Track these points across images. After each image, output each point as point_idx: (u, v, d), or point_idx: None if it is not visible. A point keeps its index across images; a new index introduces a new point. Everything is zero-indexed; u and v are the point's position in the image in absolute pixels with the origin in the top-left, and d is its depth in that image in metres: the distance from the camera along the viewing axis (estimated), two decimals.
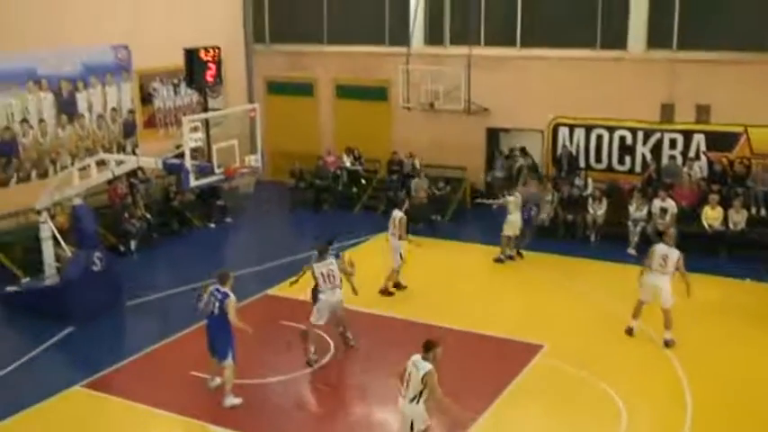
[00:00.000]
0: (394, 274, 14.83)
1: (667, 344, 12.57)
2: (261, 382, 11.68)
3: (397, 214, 14.63)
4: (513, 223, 16.58)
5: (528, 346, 12.62)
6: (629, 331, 12.96)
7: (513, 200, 16.64)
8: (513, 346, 12.77)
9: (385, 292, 14.73)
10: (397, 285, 14.98)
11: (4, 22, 16.68)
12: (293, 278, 12.96)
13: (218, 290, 10.88)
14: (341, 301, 12.22)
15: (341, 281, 12.19)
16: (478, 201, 19.56)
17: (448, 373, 11.84)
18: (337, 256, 12.34)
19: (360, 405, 11.38)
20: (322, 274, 11.97)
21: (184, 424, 10.68)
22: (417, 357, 8.74)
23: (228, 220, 20.07)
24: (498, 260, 16.66)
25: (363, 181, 21.18)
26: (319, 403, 11.56)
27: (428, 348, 8.75)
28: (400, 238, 14.58)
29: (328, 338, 12.87)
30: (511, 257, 16.75)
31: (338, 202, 20.91)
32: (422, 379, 8.58)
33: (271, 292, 15.03)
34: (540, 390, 11.43)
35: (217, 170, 13.16)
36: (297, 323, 13.24)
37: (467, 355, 12.48)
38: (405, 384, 8.73)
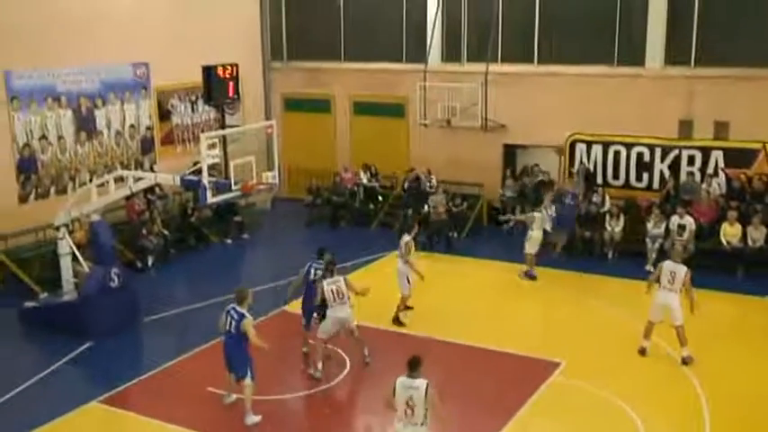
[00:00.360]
0: (403, 301, 14.43)
1: (685, 361, 12.46)
2: (278, 398, 11.66)
3: (406, 238, 14.24)
4: (535, 240, 16.51)
5: (545, 363, 12.53)
6: (642, 351, 12.85)
7: (539, 216, 16.58)
8: (531, 363, 12.68)
9: (396, 321, 14.37)
10: (406, 307, 14.63)
11: (25, 40, 16.88)
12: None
13: (234, 309, 10.90)
14: (349, 316, 12.19)
15: (349, 297, 12.18)
16: (503, 219, 19.36)
17: (464, 390, 11.85)
18: (331, 273, 12.19)
19: (376, 423, 11.32)
20: (331, 291, 11.98)
21: None
22: (410, 380, 8.61)
23: (245, 236, 20.12)
24: (529, 275, 16.57)
25: (380, 197, 21.19)
26: (335, 420, 11.50)
27: (416, 366, 8.64)
28: (407, 262, 14.19)
29: (344, 355, 12.85)
30: (534, 277, 16.57)
31: (355, 218, 20.93)
32: (426, 397, 8.48)
33: (288, 308, 15.02)
34: (558, 408, 11.34)
35: (234, 186, 13.22)
36: (314, 340, 13.23)
37: (483, 373, 12.45)
38: (407, 411, 8.56)
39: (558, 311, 14.97)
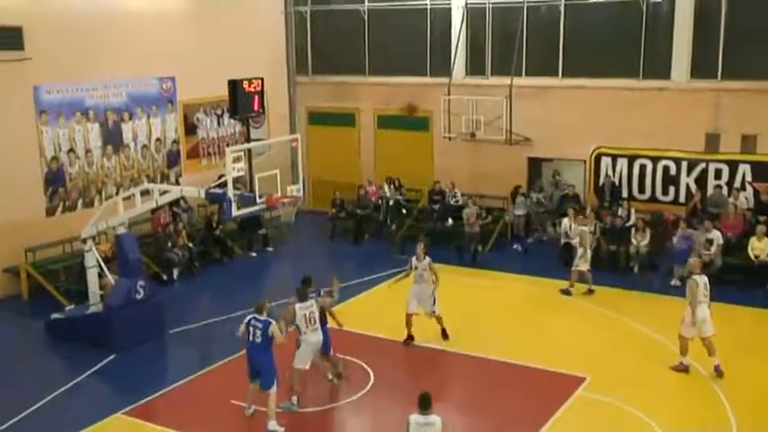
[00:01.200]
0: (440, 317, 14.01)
1: (718, 370, 12.30)
2: (302, 412, 11.64)
3: (429, 260, 13.85)
4: (587, 256, 16.39)
5: (570, 378, 12.42)
6: (686, 369, 12.62)
7: (587, 230, 16.48)
8: (555, 378, 12.57)
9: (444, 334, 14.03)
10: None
11: (54, 55, 17.11)
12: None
13: (256, 319, 10.96)
14: (320, 341, 11.90)
15: (324, 321, 12.04)
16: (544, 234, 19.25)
17: (489, 404, 11.77)
18: (304, 298, 11.92)
19: None
20: (304, 316, 11.67)
21: None
22: (423, 417, 8.56)
23: (270, 249, 20.19)
24: (566, 292, 16.45)
25: (404, 211, 21.17)
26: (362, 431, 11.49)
27: (428, 403, 8.60)
28: (433, 282, 13.80)
29: (368, 368, 12.82)
30: (568, 293, 16.41)
31: (379, 231, 20.91)
32: None
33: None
34: (583, 423, 11.22)
35: (259, 200, 13.27)
36: (338, 353, 13.22)
37: (508, 387, 12.37)
38: None
39: (583, 326, 14.84)
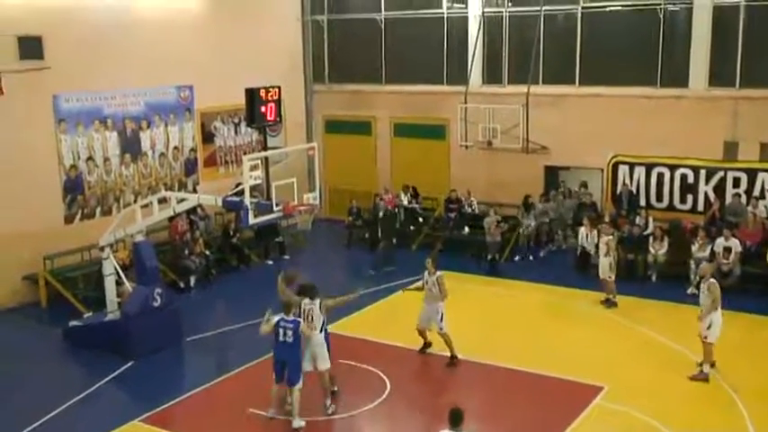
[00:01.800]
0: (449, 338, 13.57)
1: (702, 375, 12.46)
2: (317, 420, 11.62)
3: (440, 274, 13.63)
4: (603, 265, 16.21)
5: (587, 387, 12.34)
6: (705, 378, 12.53)
7: (612, 239, 16.32)
8: (572, 387, 12.50)
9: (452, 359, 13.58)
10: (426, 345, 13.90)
11: (73, 64, 17.28)
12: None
13: (284, 320, 11.26)
14: (317, 343, 11.70)
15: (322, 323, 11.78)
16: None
17: (506, 413, 11.71)
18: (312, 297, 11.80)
19: None
20: (304, 312, 11.60)
21: None
22: None
23: (286, 257, 20.23)
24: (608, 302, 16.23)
25: (420, 219, 21.16)
26: None
27: (458, 420, 8.34)
28: (442, 298, 13.51)
29: (385, 377, 12.80)
30: (614, 304, 16.15)
31: (395, 240, 20.86)
32: None
33: (327, 328, 15.00)
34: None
35: (276, 208, 13.30)
36: (354, 361, 13.23)
37: (525, 396, 12.30)
38: None
39: (600, 334, 14.75)
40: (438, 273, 13.41)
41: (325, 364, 11.68)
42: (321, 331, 11.67)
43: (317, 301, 11.74)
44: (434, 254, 14.30)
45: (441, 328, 13.38)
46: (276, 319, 11.34)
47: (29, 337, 15.48)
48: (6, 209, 16.40)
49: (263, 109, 14.34)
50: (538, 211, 19.91)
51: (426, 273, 13.53)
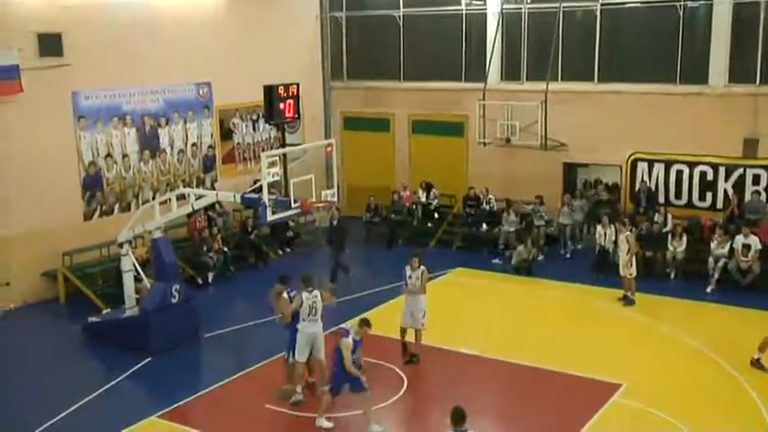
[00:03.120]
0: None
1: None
2: (336, 416, 11.64)
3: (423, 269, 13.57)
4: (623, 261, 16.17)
5: (605, 384, 12.29)
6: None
7: (631, 235, 16.20)
8: (590, 384, 12.45)
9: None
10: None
11: (92, 61, 17.38)
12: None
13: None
14: (320, 333, 12.06)
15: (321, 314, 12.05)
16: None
17: (523, 411, 11.68)
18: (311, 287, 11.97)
19: None
20: (309, 306, 11.85)
21: None
22: None
23: (288, 250, 20.39)
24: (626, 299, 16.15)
25: (438, 216, 21.13)
26: None
27: (461, 419, 8.30)
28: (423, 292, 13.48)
29: (401, 373, 12.80)
30: (631, 301, 16.06)
31: (413, 236, 20.88)
32: None
33: (344, 325, 15.02)
34: (618, 430, 11.09)
35: (294, 204, 13.33)
36: (371, 357, 13.22)
37: (542, 393, 12.26)
38: None
39: (618, 332, 14.68)
40: (421, 268, 13.43)
41: (322, 354, 12.04)
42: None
43: (317, 292, 11.96)
44: (421, 252, 14.18)
45: (422, 325, 13.37)
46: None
47: (48, 333, 15.61)
48: (26, 206, 16.53)
49: (281, 106, 14.41)
50: (575, 206, 19.73)
51: (409, 268, 13.46)
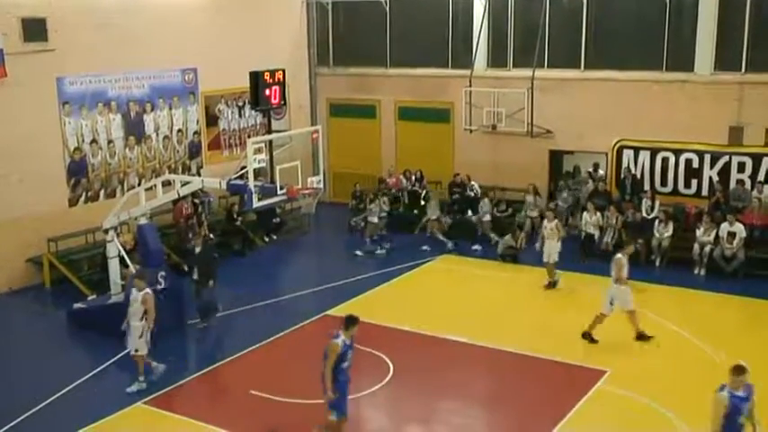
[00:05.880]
0: (600, 318, 13.52)
1: None
2: (320, 403, 11.65)
3: (617, 255, 13.69)
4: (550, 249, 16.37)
5: (590, 371, 12.37)
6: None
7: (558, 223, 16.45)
8: (575, 371, 12.53)
9: (588, 336, 13.56)
10: (642, 335, 13.53)
11: (77, 46, 17.24)
12: None
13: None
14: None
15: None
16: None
17: (509, 397, 11.75)
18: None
19: (419, 427, 11.27)
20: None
21: None
22: None
23: (274, 237, 20.29)
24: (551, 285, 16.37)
25: (423, 202, 21.11)
26: (380, 423, 11.46)
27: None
28: (618, 281, 13.43)
29: (388, 361, 12.83)
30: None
31: (399, 223, 20.85)
32: None
33: (330, 312, 15.06)
34: (603, 416, 11.17)
35: (280, 191, 13.30)
36: (357, 344, 13.22)
37: (527, 380, 12.33)
38: None
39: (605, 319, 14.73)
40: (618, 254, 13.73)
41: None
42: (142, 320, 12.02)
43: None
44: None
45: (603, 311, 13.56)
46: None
47: (33, 319, 15.57)
48: (11, 191, 16.41)
49: (267, 92, 14.32)
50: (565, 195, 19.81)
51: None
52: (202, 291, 14.65)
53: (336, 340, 9.66)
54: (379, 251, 18.85)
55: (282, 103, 14.96)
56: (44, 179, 17.07)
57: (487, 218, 19.30)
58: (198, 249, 15.08)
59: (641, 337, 13.37)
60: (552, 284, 16.32)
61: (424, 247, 18.87)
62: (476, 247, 18.91)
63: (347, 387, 9.97)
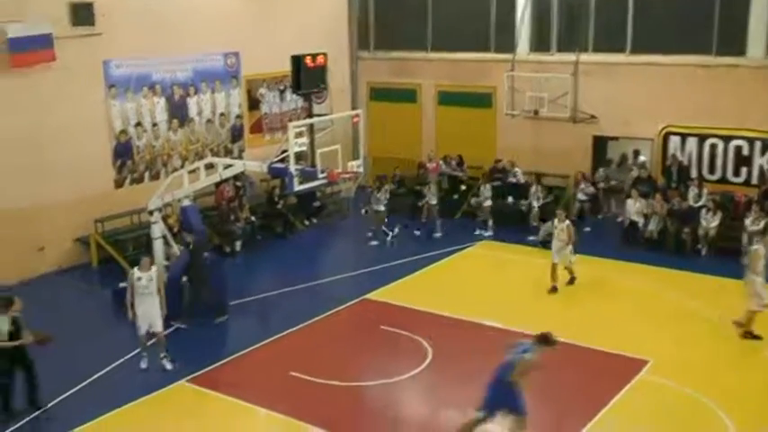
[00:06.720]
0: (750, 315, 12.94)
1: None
2: (360, 386, 11.73)
3: (754, 246, 13.24)
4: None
5: (632, 360, 12.23)
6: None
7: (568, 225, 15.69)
8: (617, 360, 12.39)
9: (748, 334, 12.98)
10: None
11: (123, 30, 17.43)
12: None
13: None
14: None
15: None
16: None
17: (547, 386, 11.65)
18: None
19: (458, 412, 11.27)
20: None
21: (284, 423, 10.81)
22: None
23: (314, 220, 20.41)
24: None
25: (464, 187, 21.02)
26: (419, 407, 11.48)
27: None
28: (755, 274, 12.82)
29: (426, 344, 12.83)
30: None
31: (438, 208, 20.76)
32: None
33: (369, 296, 15.10)
34: (643, 408, 11.04)
35: (320, 175, 13.34)
36: (396, 328, 13.30)
37: (568, 369, 12.18)
38: None
39: (646, 308, 14.54)
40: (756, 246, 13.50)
41: None
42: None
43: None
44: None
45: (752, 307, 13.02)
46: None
47: (80, 298, 15.87)
48: (60, 174, 16.71)
49: (308, 76, 14.36)
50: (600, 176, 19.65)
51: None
52: (201, 291, 14.26)
53: (526, 355, 9.34)
54: (389, 238, 18.77)
55: (323, 86, 14.99)
56: (91, 161, 17.36)
57: (535, 204, 19.12)
58: (188, 251, 14.54)
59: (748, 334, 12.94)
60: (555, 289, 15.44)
61: (478, 232, 18.92)
62: (532, 237, 18.39)
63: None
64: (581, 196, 19.39)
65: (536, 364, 9.39)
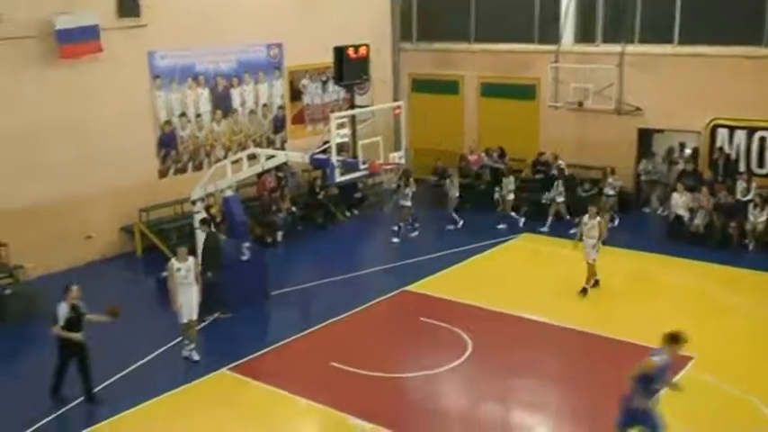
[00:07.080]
0: None
1: None
2: (400, 377, 11.75)
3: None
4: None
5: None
6: None
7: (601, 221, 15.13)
8: None
9: None
10: None
11: (168, 21, 17.62)
12: None
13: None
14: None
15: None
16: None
17: (589, 379, 11.56)
18: None
19: (498, 404, 11.23)
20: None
21: (324, 413, 10.87)
22: None
23: (356, 212, 20.47)
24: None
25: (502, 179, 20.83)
26: (459, 399, 11.47)
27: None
28: None
29: (466, 337, 12.80)
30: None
31: (480, 200, 20.67)
32: None
33: (409, 288, 15.10)
34: (686, 403, 10.86)
35: (362, 166, 13.36)
36: (436, 320, 13.28)
37: (609, 362, 12.09)
38: None
39: (691, 303, 14.33)
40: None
41: None
42: None
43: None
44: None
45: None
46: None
47: (125, 286, 16.13)
48: (106, 164, 16.98)
49: (350, 67, 14.37)
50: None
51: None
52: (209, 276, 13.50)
53: (654, 358, 8.86)
54: (412, 234, 18.58)
55: (366, 78, 14.99)
56: (136, 151, 17.60)
57: (560, 199, 18.83)
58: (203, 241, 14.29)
59: None
60: (585, 290, 14.80)
61: (500, 226, 18.71)
62: (573, 231, 18.23)
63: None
64: (608, 191, 19.10)
65: (665, 366, 8.83)
